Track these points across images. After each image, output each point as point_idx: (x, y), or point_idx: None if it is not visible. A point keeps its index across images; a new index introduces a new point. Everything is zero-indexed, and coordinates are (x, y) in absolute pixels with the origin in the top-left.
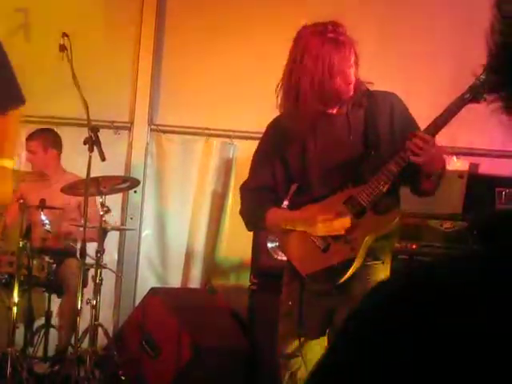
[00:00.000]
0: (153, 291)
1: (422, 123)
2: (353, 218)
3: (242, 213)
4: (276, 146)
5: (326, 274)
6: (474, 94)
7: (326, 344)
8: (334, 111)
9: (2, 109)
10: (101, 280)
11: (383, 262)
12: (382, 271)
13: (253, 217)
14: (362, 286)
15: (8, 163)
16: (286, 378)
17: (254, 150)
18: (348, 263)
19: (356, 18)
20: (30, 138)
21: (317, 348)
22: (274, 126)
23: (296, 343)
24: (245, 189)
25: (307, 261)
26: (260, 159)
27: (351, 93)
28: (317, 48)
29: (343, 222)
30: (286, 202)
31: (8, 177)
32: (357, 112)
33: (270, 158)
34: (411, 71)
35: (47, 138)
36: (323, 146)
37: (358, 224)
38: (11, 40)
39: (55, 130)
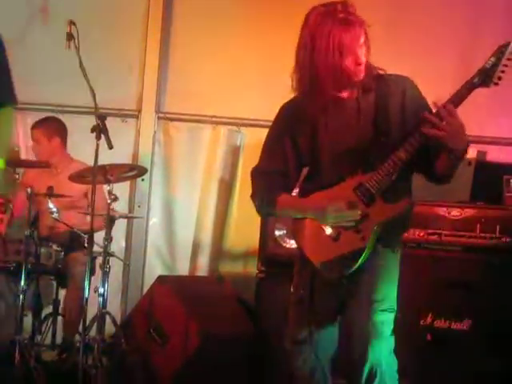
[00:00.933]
0: (160, 279)
1: None
2: (363, 207)
3: (252, 196)
4: (287, 129)
5: (336, 263)
6: (483, 78)
7: (336, 332)
8: (345, 95)
9: None
10: (108, 268)
11: (394, 250)
12: (393, 258)
13: (263, 201)
14: (372, 274)
15: None
16: (298, 364)
17: (262, 137)
18: (359, 252)
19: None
20: (33, 127)
21: (328, 336)
22: (286, 109)
23: (307, 330)
24: (256, 172)
25: (318, 249)
26: (271, 143)
27: (362, 74)
28: (327, 28)
29: (353, 215)
30: (296, 190)
31: None
32: (367, 96)
33: (281, 142)
34: (416, 61)
35: (50, 127)
36: (333, 131)
37: (368, 212)
38: (18, 28)
39: (63, 118)
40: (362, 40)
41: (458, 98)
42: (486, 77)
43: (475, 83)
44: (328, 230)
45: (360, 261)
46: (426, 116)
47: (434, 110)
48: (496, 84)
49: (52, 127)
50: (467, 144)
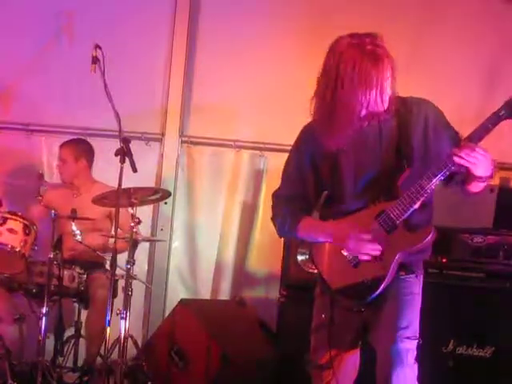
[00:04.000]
0: (182, 302)
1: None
2: (384, 235)
3: (273, 219)
4: (308, 153)
5: (355, 290)
6: (509, 111)
7: (358, 357)
8: (366, 122)
9: None
10: (131, 291)
11: (416, 276)
12: (416, 285)
13: (285, 225)
14: (396, 300)
15: None
16: None
17: (285, 161)
18: (378, 280)
19: (385, 22)
20: (62, 146)
21: (349, 361)
22: (306, 133)
23: (328, 355)
24: (277, 196)
25: (337, 274)
26: (292, 166)
27: (386, 106)
28: (354, 60)
29: (372, 249)
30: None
31: None
32: (390, 123)
33: (301, 166)
34: (441, 74)
35: (79, 148)
36: (355, 158)
37: (389, 241)
38: (45, 51)
39: (88, 140)
40: (389, 74)
41: (484, 130)
42: None
43: (501, 116)
44: (349, 256)
45: (379, 289)
46: (454, 152)
47: (458, 135)
48: None
49: (80, 148)
50: (492, 170)
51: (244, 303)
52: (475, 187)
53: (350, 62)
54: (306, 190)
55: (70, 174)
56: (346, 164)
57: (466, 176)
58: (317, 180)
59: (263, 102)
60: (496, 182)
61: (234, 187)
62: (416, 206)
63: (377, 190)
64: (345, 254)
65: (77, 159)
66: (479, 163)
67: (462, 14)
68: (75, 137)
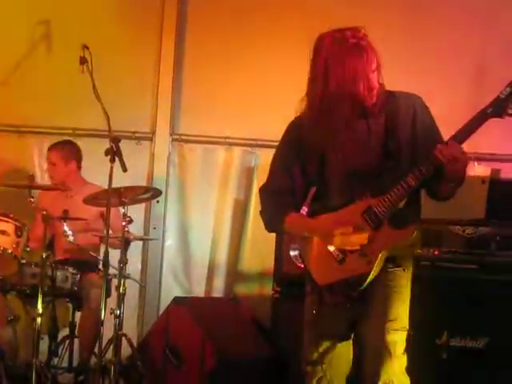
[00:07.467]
0: (176, 300)
1: (442, 123)
2: (370, 231)
3: (261, 213)
4: (295, 149)
5: (340, 286)
6: (496, 109)
7: (350, 351)
8: (355, 117)
9: None
10: (124, 290)
11: (404, 269)
12: (404, 277)
13: (272, 219)
14: (383, 293)
15: None
16: None
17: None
18: (363, 277)
19: (376, 19)
20: (51, 149)
21: (341, 355)
22: (293, 128)
23: (320, 350)
24: (264, 191)
25: (323, 271)
26: (279, 162)
27: (374, 99)
28: (339, 55)
29: (360, 238)
30: (304, 208)
31: None
32: (378, 118)
33: (288, 161)
34: (431, 70)
35: (68, 151)
36: (343, 153)
37: (374, 237)
38: (33, 52)
39: (77, 141)
40: (374, 65)
41: (471, 128)
42: (499, 108)
43: (488, 113)
44: (334, 252)
45: (364, 285)
46: (438, 147)
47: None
48: (510, 115)
49: (70, 151)
50: (464, 174)
51: (238, 300)
52: (444, 189)
53: (336, 57)
54: (293, 185)
55: (61, 176)
56: (333, 159)
57: (439, 176)
58: (303, 175)
59: (253, 99)
60: (487, 173)
61: (226, 184)
62: (402, 202)
63: (363, 186)
64: (331, 249)
65: (67, 162)
66: (458, 165)
67: (454, 7)
68: (63, 138)
